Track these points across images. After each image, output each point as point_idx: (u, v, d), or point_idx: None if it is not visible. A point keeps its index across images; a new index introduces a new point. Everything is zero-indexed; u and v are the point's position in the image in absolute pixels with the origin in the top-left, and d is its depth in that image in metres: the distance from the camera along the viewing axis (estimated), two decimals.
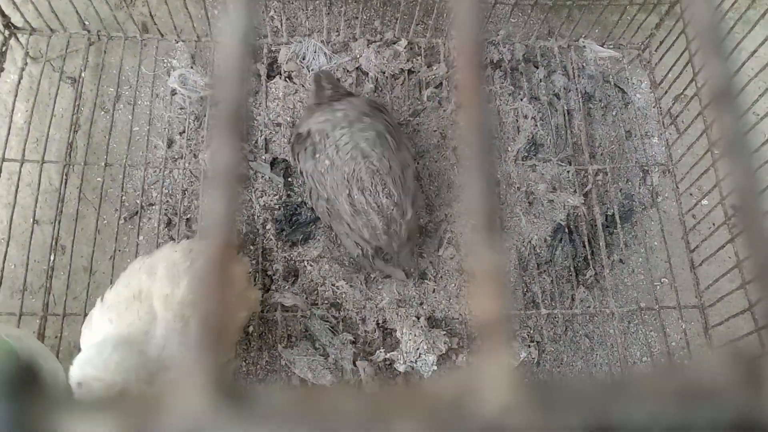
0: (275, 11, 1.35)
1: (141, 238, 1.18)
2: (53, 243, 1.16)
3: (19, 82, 1.25)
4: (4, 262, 1.11)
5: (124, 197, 1.19)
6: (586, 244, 1.19)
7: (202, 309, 0.12)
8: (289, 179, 1.20)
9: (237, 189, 0.14)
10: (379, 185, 1.00)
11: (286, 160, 1.21)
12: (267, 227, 1.16)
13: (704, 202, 1.26)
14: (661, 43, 1.31)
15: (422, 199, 1.18)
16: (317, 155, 1.04)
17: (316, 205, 1.09)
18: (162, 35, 1.28)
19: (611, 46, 1.35)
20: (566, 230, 1.19)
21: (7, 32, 1.25)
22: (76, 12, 1.23)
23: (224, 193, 0.14)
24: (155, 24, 1.26)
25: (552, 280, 1.17)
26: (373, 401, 0.11)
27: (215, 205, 0.14)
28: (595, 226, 1.21)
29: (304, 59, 1.26)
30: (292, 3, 1.35)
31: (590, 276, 1.18)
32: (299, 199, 1.18)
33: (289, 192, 1.19)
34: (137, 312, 0.83)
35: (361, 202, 1.01)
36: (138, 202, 1.20)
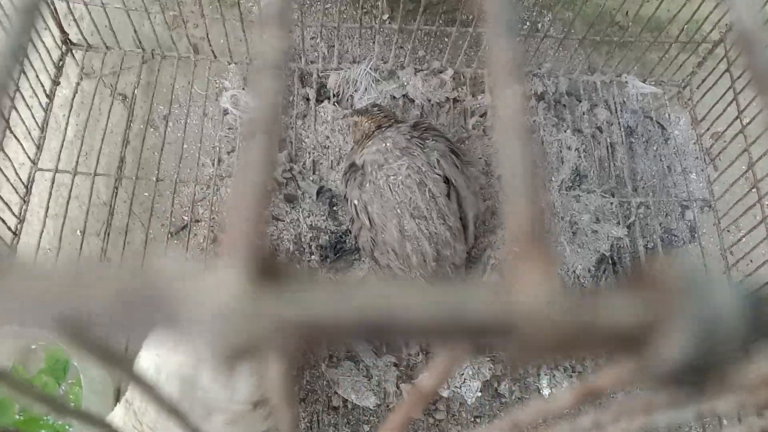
0: (322, 38, 1.38)
1: (188, 253, 1.19)
2: (102, 255, 1.16)
3: (73, 98, 1.27)
4: None
5: (172, 212, 1.21)
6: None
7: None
8: (334, 208, 1.21)
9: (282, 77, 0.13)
10: (434, 211, 1.01)
11: (331, 189, 1.22)
12: (313, 247, 1.17)
13: (743, 241, 1.27)
14: (703, 81, 1.34)
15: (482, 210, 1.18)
16: (366, 185, 1.05)
17: (359, 235, 1.10)
18: (215, 56, 1.30)
19: (652, 83, 1.38)
20: (610, 261, 1.20)
21: (64, 48, 1.28)
22: (134, 30, 1.26)
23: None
24: (210, 45, 1.28)
25: None
26: None
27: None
28: (638, 258, 1.21)
29: (354, 84, 1.28)
30: (340, 30, 1.38)
31: None
32: (344, 227, 1.19)
33: (333, 221, 1.20)
34: (185, 352, 0.82)
35: (412, 228, 1.01)
36: (185, 218, 1.21)
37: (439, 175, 1.03)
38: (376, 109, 1.15)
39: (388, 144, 1.06)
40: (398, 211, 1.02)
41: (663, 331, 0.09)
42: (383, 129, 1.10)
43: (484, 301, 0.09)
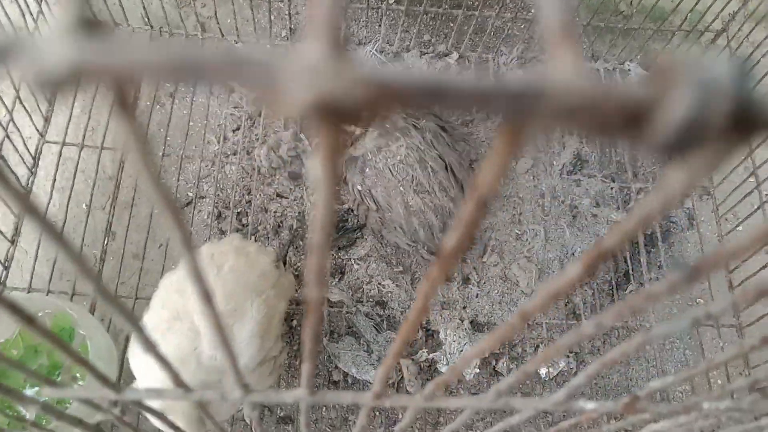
0: None
1: (192, 229, 1.20)
2: (107, 228, 1.18)
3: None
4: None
5: (177, 188, 1.22)
6: (628, 259, 1.21)
7: None
8: (337, 188, 1.23)
9: None
10: (435, 184, 1.04)
11: None
12: None
13: (740, 228, 1.28)
14: None
15: None
16: (366, 170, 1.08)
17: (367, 216, 1.12)
18: (222, 35, 1.32)
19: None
20: None
21: None
22: (143, 6, 1.27)
23: None
24: (218, 23, 1.29)
25: (593, 293, 1.19)
26: None
27: None
28: (636, 243, 1.23)
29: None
30: (347, 12, 1.39)
31: (631, 291, 1.20)
32: (346, 206, 1.21)
33: (336, 200, 1.22)
34: (180, 331, 0.82)
35: (417, 203, 1.04)
36: (190, 194, 1.23)
37: (434, 152, 1.05)
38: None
39: (387, 125, 1.08)
40: (402, 189, 1.04)
41: (667, 96, 0.10)
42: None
43: (521, 76, 0.10)
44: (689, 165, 0.12)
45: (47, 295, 1.09)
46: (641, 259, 1.22)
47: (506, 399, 0.37)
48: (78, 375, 0.99)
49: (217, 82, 0.11)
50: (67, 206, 1.16)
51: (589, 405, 0.39)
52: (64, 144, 1.20)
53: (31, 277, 1.11)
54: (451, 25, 1.41)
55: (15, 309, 0.23)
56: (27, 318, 0.24)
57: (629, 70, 1.38)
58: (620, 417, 1.13)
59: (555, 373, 1.16)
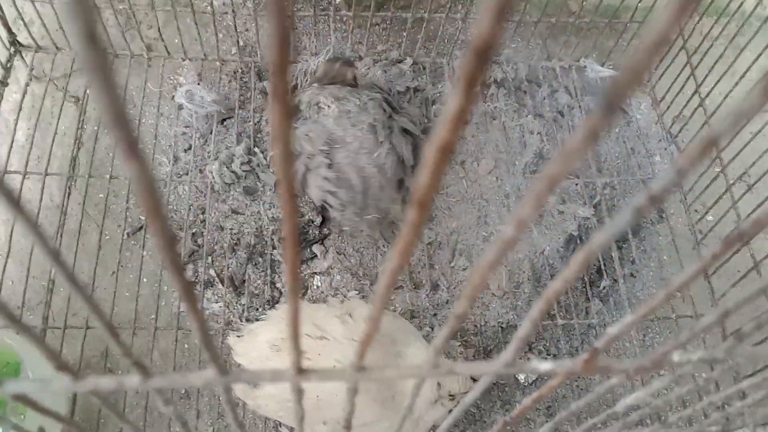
0: None
1: (145, 253, 1.14)
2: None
3: (22, 101, 1.23)
4: (2, 278, 1.07)
5: (128, 212, 1.17)
6: (600, 256, 1.18)
7: None
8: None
9: None
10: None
11: None
12: (275, 240, 1.14)
13: (709, 217, 1.26)
14: (660, 61, 1.34)
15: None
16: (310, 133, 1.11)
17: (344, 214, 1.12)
18: (169, 53, 1.28)
19: (611, 66, 1.38)
20: (578, 241, 1.18)
21: (12, 49, 1.24)
22: None
23: None
24: (163, 42, 1.26)
25: (567, 292, 1.16)
26: None
27: None
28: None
29: (313, 74, 1.26)
30: (298, 28, 1.36)
31: (604, 287, 1.16)
32: (306, 218, 1.17)
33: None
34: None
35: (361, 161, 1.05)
36: (142, 218, 1.17)
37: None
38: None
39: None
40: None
41: None
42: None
43: None
44: None
45: None
46: (613, 255, 1.18)
47: (448, 366, 0.33)
48: (24, 414, 0.92)
49: None
50: (11, 237, 1.10)
51: (544, 365, 0.35)
52: (5, 172, 1.14)
53: None
54: (404, 33, 1.39)
55: None
56: None
57: (585, 66, 1.37)
58: (588, 388, 1.09)
59: (534, 378, 1.11)
